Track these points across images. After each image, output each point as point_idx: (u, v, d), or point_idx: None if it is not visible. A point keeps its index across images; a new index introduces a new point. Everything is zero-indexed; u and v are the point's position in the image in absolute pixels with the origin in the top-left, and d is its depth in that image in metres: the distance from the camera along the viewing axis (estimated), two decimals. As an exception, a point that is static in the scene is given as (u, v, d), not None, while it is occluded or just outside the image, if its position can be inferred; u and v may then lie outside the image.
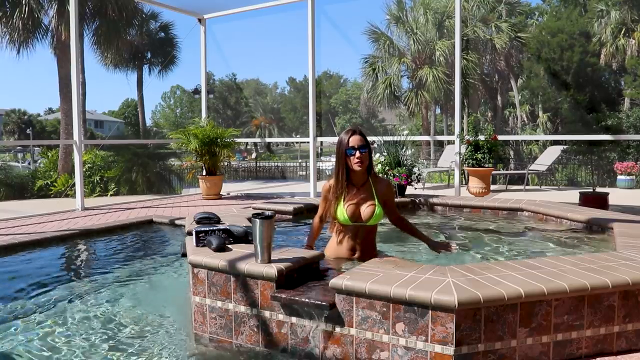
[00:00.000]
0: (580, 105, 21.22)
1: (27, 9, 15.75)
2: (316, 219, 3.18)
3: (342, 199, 2.95)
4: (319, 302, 2.20)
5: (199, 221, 3.32)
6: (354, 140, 2.89)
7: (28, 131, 43.35)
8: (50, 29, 16.79)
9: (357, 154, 2.87)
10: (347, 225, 2.97)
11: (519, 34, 23.09)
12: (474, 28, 22.41)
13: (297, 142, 40.60)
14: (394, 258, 3.04)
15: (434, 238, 4.00)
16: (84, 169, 13.20)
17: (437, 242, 3.18)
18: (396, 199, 5.36)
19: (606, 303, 2.22)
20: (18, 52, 16.55)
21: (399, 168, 5.69)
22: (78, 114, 7.13)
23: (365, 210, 2.94)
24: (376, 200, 2.95)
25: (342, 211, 2.93)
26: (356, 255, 3.00)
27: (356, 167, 2.89)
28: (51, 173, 15.36)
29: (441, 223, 4.82)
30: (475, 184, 6.84)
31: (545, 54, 22.10)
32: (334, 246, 3.05)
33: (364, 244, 3.00)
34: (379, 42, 23.66)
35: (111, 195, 13.94)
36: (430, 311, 2.02)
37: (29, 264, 4.16)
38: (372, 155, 3.05)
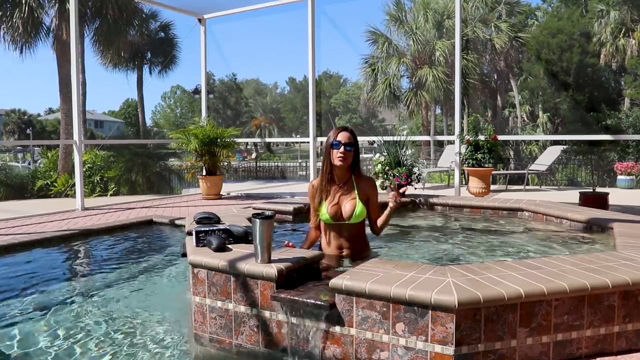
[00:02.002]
0: (580, 105, 21.22)
1: (27, 8, 15.75)
2: (312, 231, 3.18)
3: (324, 198, 2.98)
4: (319, 302, 2.20)
5: (199, 221, 3.32)
6: (342, 136, 2.93)
7: (28, 131, 43.35)
8: (50, 28, 16.79)
9: (342, 148, 2.90)
10: (331, 224, 3.01)
11: (518, 34, 23.10)
12: (473, 28, 22.41)
13: (297, 142, 40.58)
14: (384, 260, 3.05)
15: (435, 240, 4.00)
16: (84, 169, 13.20)
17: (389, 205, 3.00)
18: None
19: (606, 303, 2.22)
20: (21, 52, 16.60)
21: (399, 168, 5.69)
22: (78, 114, 7.13)
23: (346, 208, 2.96)
24: (357, 198, 2.97)
25: (324, 211, 2.97)
26: (345, 253, 3.03)
27: (337, 162, 2.92)
28: (51, 173, 15.35)
29: (441, 223, 4.81)
30: (475, 184, 6.84)
31: (545, 55, 22.11)
32: (324, 244, 3.10)
33: (352, 242, 3.03)
34: (378, 42, 23.65)
35: (111, 195, 13.94)
36: (430, 311, 2.02)
37: (29, 264, 4.16)
38: (359, 155, 3.05)
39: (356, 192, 2.99)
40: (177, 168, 16.51)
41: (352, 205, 2.95)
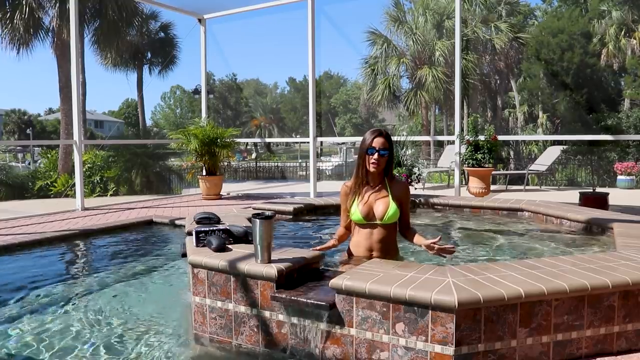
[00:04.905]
0: (580, 105, 21.22)
1: (27, 9, 15.74)
2: (341, 229, 3.13)
3: (357, 198, 2.96)
4: (319, 302, 2.20)
5: (199, 221, 3.32)
6: (377, 142, 2.88)
7: (28, 131, 43.34)
8: (50, 29, 16.78)
9: (376, 155, 2.87)
10: (362, 224, 2.97)
11: (518, 35, 23.09)
12: (473, 28, 22.41)
13: (297, 142, 40.58)
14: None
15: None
16: (84, 169, 13.19)
17: (439, 248, 2.86)
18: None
19: (606, 303, 2.22)
20: (18, 52, 16.55)
21: (399, 168, 5.70)
22: (78, 114, 7.13)
23: (378, 208, 2.93)
24: (391, 199, 2.94)
25: (356, 210, 2.94)
26: (374, 255, 2.97)
27: (371, 168, 2.90)
28: (51, 173, 15.35)
29: (442, 223, 4.81)
30: (475, 184, 6.85)
31: (545, 55, 22.09)
32: (354, 245, 3.05)
33: (383, 244, 2.97)
34: (378, 42, 23.65)
35: (111, 195, 13.93)
36: (430, 311, 2.02)
37: (29, 264, 4.16)
38: (393, 160, 3.04)
39: (389, 193, 2.96)
40: (177, 168, 16.51)
41: (385, 206, 2.92)
